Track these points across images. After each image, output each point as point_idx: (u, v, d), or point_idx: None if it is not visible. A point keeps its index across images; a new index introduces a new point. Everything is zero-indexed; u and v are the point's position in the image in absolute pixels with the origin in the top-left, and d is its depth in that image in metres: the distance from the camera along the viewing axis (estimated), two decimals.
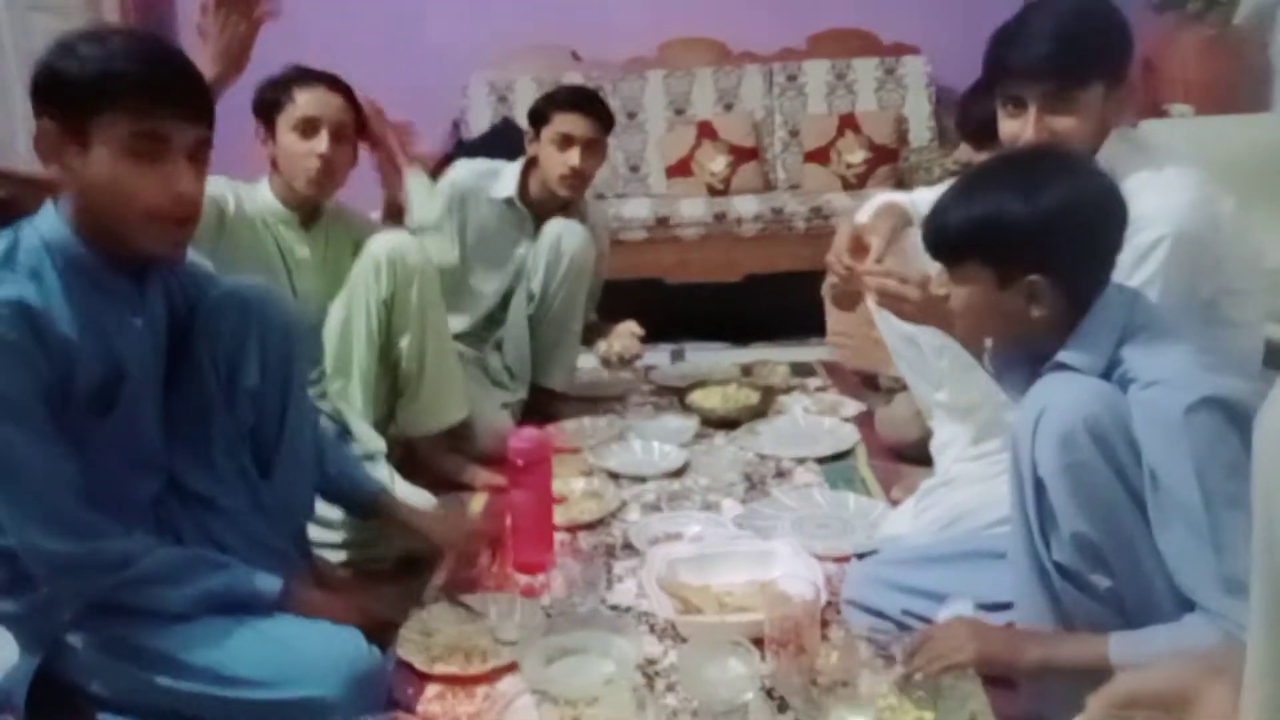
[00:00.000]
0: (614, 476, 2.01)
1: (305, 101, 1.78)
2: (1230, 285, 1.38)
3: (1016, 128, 1.36)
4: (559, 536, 1.73)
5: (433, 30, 3.78)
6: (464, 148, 3.60)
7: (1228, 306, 1.37)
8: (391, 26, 3.77)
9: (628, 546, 1.71)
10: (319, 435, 1.52)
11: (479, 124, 3.68)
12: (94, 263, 1.17)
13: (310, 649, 1.17)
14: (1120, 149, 1.36)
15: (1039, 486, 1.08)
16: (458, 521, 1.73)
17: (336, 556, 1.67)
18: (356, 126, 1.86)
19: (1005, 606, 1.21)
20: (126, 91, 1.11)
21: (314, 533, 1.56)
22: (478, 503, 1.94)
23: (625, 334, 2.41)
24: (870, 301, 1.81)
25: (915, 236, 1.49)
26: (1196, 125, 2.82)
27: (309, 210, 1.88)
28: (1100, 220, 1.13)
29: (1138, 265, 1.27)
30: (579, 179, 2.23)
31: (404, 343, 1.89)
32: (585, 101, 2.24)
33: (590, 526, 1.79)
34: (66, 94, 1.11)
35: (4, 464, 1.09)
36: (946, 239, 1.17)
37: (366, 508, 1.57)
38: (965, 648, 1.14)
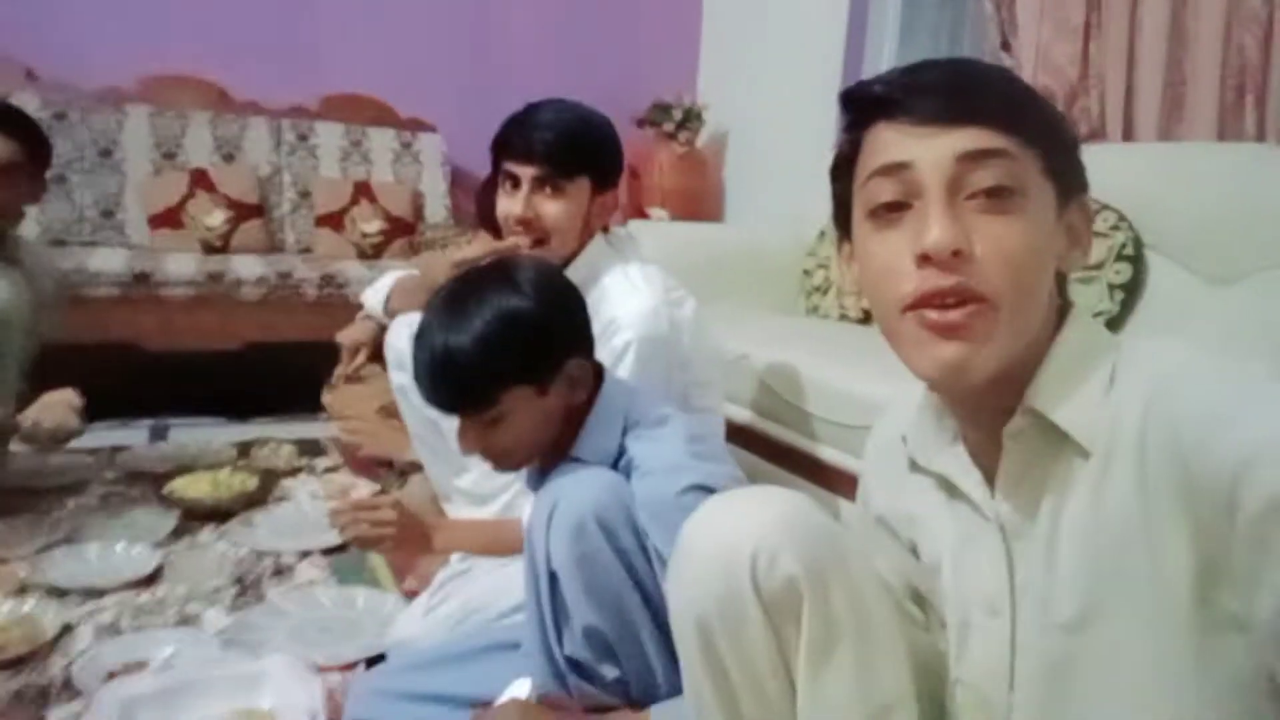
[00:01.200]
0: (59, 593, 1.60)
1: None
2: (697, 378, 1.57)
3: (509, 204, 1.48)
4: None
5: None
6: None
7: (697, 397, 1.55)
8: None
9: (69, 687, 1.34)
10: None
11: None
12: None
13: None
14: (600, 249, 1.54)
15: (553, 579, 1.08)
16: None
17: None
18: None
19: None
20: None
21: None
22: None
23: (55, 403, 1.95)
24: (392, 376, 1.74)
25: None
26: (670, 228, 3.23)
27: None
28: (576, 309, 1.19)
29: (614, 366, 1.38)
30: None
31: None
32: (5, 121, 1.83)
33: (15, 664, 1.39)
34: None
35: None
36: (466, 374, 1.09)
37: None
38: None
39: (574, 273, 1.45)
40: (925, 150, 0.67)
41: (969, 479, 0.75)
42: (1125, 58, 2.25)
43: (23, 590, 1.59)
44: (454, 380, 1.10)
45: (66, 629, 1.49)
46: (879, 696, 0.73)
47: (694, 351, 1.55)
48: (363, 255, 3.31)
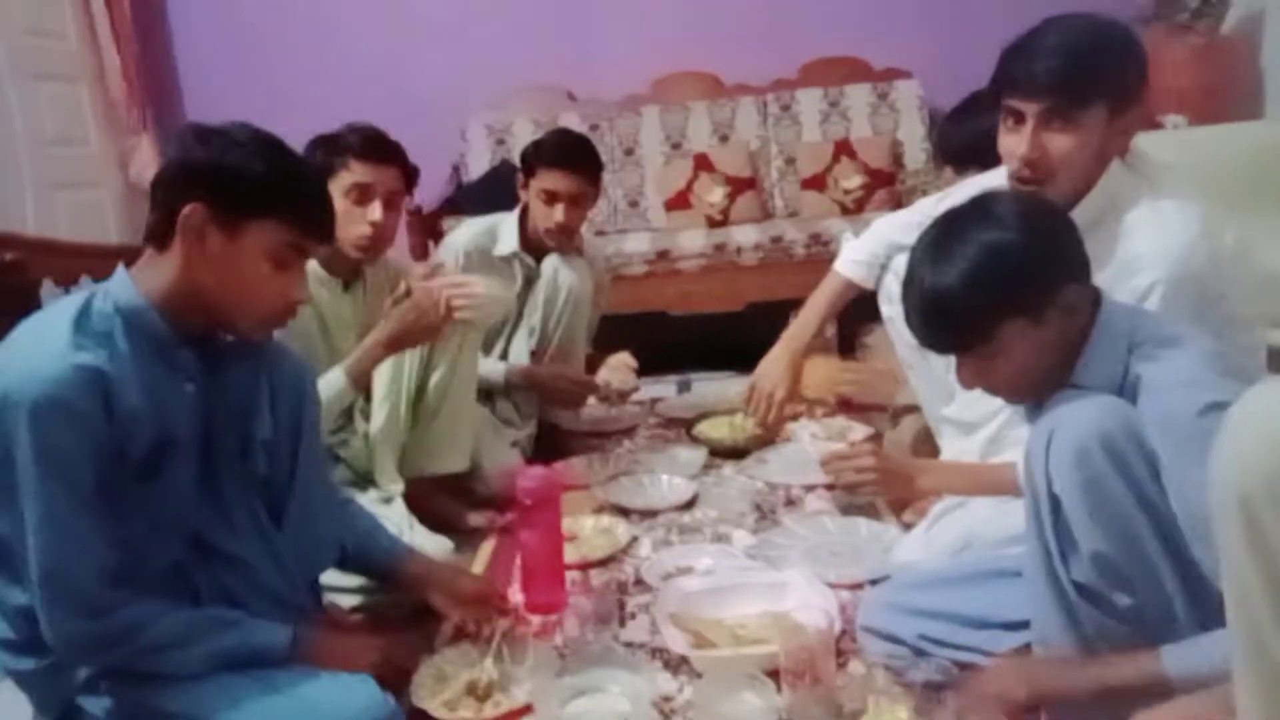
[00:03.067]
0: (624, 512, 2.00)
1: (360, 169, 1.80)
2: (1233, 312, 1.37)
3: (1013, 143, 1.33)
4: (571, 575, 1.72)
5: (428, 75, 3.83)
6: (464, 191, 3.65)
7: (1231, 331, 1.36)
8: (386, 73, 3.82)
9: (640, 582, 1.70)
10: (335, 492, 1.52)
11: (478, 166, 3.72)
12: (164, 333, 1.20)
13: (325, 701, 1.16)
14: (1120, 179, 1.36)
15: (1055, 505, 1.07)
16: (467, 582, 1.63)
17: (350, 602, 1.67)
18: (406, 189, 1.90)
19: (1023, 625, 1.20)
20: (293, 207, 1.20)
21: (327, 578, 1.56)
22: (488, 546, 1.94)
23: (618, 366, 2.43)
24: (883, 309, 1.82)
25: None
26: (1191, 136, 2.83)
27: (350, 271, 1.91)
28: (1063, 236, 1.14)
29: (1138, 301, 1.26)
30: (565, 233, 2.27)
31: (435, 378, 1.92)
32: (567, 157, 2.24)
33: (602, 563, 1.78)
34: (234, 189, 1.17)
35: (47, 523, 1.09)
36: (958, 314, 1.12)
37: (386, 576, 1.55)
38: (1017, 689, 1.11)
39: (1090, 206, 1.33)
40: None
41: None
42: None
43: (599, 509, 2.02)
44: (945, 321, 1.13)
45: (633, 540, 1.87)
46: None
47: (1234, 284, 1.36)
48: (845, 211, 3.46)
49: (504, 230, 2.35)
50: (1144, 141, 1.55)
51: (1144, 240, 1.29)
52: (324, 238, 1.28)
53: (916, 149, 3.62)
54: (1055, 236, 1.14)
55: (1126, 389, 1.08)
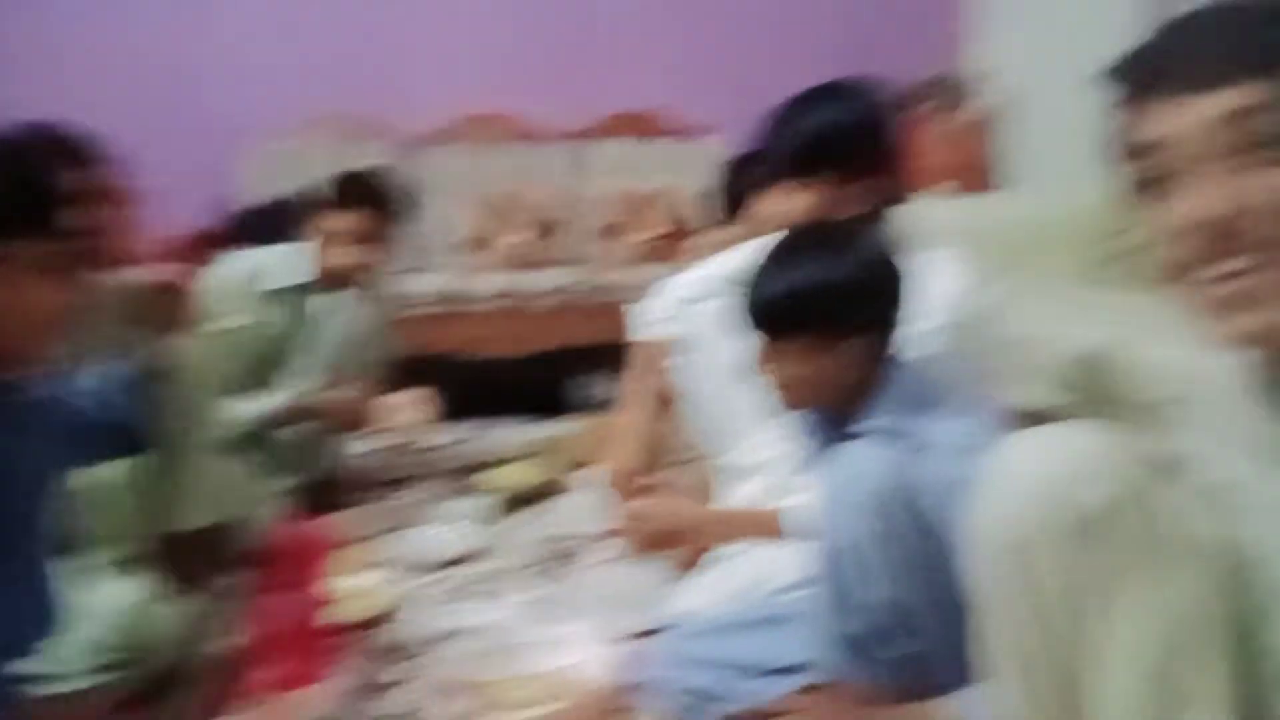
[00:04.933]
0: (399, 567, 1.86)
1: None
2: (996, 366, 1.47)
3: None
4: (331, 640, 1.56)
5: (213, 93, 3.55)
6: (245, 218, 3.38)
7: (988, 385, 1.45)
8: (177, 86, 3.51)
9: (408, 645, 1.56)
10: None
11: (266, 194, 3.45)
12: None
13: None
14: (896, 228, 1.43)
15: (838, 557, 1.08)
16: None
17: (69, 686, 1.42)
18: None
19: (798, 669, 1.21)
20: None
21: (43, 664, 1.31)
22: (238, 608, 1.73)
23: (418, 401, 2.29)
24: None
25: None
26: (960, 203, 3.09)
27: None
28: (896, 279, 1.19)
29: (919, 350, 1.31)
30: (357, 272, 2.16)
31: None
32: (357, 196, 2.15)
33: (367, 625, 1.63)
34: None
35: None
36: (774, 311, 1.17)
37: None
38: None
39: None
40: None
41: None
42: None
43: (372, 564, 1.86)
44: (771, 311, 1.17)
45: (402, 599, 1.72)
46: (1186, 620, 0.69)
47: (996, 339, 1.47)
48: (641, 261, 3.48)
49: (285, 263, 2.18)
50: (922, 203, 1.66)
51: (925, 286, 1.35)
52: None
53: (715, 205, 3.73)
54: (888, 279, 1.20)
55: (912, 442, 1.11)
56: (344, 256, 2.12)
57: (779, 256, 1.19)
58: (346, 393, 2.15)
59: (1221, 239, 0.62)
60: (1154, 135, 0.66)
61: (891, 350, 1.20)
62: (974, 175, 3.53)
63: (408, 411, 2.29)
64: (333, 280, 2.16)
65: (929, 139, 3.55)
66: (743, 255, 1.35)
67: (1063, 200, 2.70)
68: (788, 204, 1.41)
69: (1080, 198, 2.58)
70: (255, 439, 2.15)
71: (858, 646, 1.10)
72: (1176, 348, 1.56)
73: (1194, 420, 0.83)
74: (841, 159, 1.40)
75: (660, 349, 1.85)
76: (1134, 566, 0.70)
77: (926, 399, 1.15)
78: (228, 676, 1.46)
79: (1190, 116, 0.64)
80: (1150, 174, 0.67)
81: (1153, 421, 1.59)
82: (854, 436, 1.14)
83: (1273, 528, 0.71)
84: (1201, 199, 0.63)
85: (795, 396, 1.22)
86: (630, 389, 1.86)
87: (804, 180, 1.40)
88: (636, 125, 3.82)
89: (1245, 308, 0.63)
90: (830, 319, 1.15)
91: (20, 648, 1.24)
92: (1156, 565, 0.70)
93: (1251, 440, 0.72)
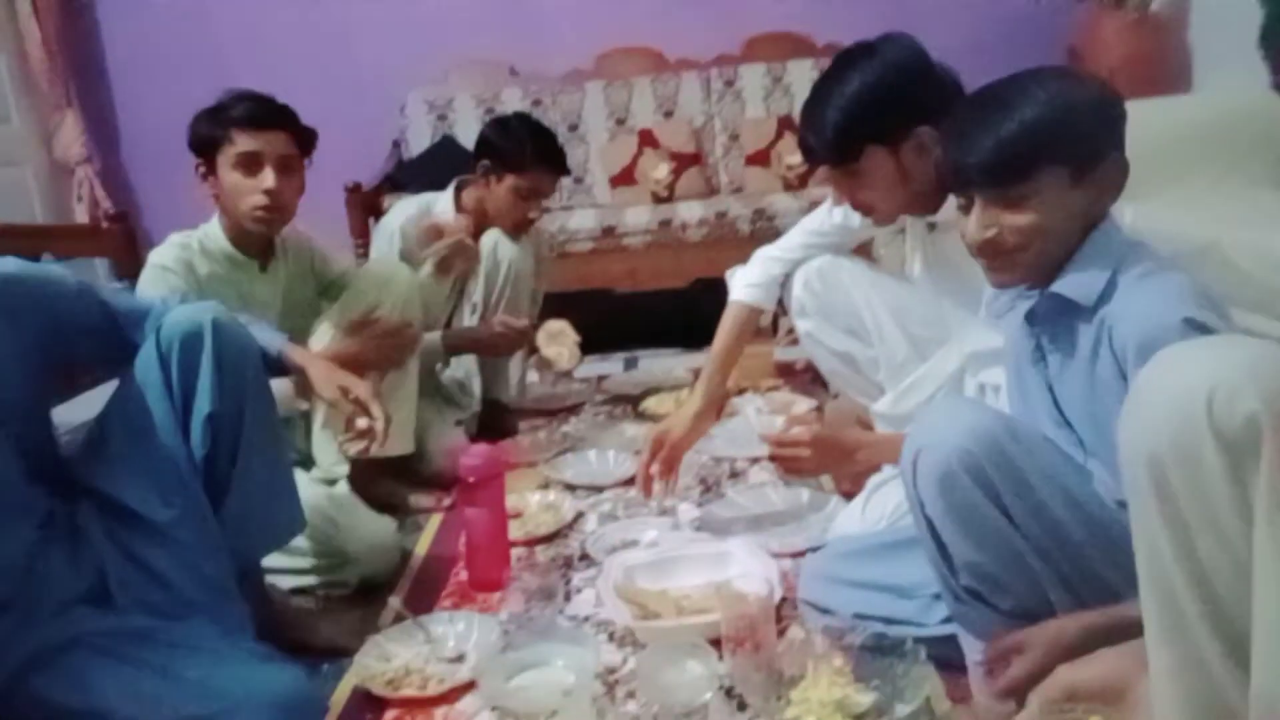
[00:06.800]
0: (570, 488, 2.00)
1: (246, 139, 1.68)
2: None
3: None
4: (516, 551, 1.73)
5: (366, 49, 3.75)
6: (404, 167, 3.59)
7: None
8: (322, 47, 3.73)
9: (585, 557, 1.70)
10: (286, 473, 1.48)
11: (419, 143, 3.66)
12: None
13: (231, 688, 1.13)
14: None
15: (930, 524, 1.12)
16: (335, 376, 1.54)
17: (290, 583, 1.65)
18: (301, 153, 1.76)
19: None
20: None
21: (272, 559, 1.54)
22: (433, 526, 1.93)
23: (558, 333, 2.41)
24: (799, 325, 1.84)
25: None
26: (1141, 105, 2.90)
27: (263, 249, 1.82)
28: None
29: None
30: (530, 226, 2.32)
31: None
32: (553, 158, 2.29)
33: (547, 539, 1.79)
34: None
35: None
36: (1012, 154, 1.05)
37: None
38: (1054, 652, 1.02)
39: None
40: None
41: None
42: None
43: (545, 485, 2.02)
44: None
45: (579, 515, 1.88)
46: None
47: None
48: (788, 187, 3.47)
49: (439, 208, 2.32)
50: None
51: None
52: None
53: None
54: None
55: (1104, 309, 1.06)
56: (531, 211, 2.28)
57: (997, 105, 1.08)
58: (515, 322, 2.27)
59: None
60: None
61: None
62: (1147, 75, 3.28)
63: (559, 339, 2.42)
64: (515, 232, 2.31)
65: (1099, 37, 3.33)
66: None
67: (1245, 99, 2.50)
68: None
69: (1263, 97, 2.40)
70: (434, 373, 2.35)
71: (968, 598, 1.12)
72: None
73: None
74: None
75: (753, 314, 1.86)
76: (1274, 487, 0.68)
77: (1136, 260, 1.07)
78: (430, 581, 1.65)
79: None
80: None
81: None
82: (1049, 295, 1.09)
83: None
84: None
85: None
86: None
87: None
88: (779, 47, 3.75)
89: None
90: (1074, 148, 1.05)
91: (271, 543, 1.47)
92: None
93: None
